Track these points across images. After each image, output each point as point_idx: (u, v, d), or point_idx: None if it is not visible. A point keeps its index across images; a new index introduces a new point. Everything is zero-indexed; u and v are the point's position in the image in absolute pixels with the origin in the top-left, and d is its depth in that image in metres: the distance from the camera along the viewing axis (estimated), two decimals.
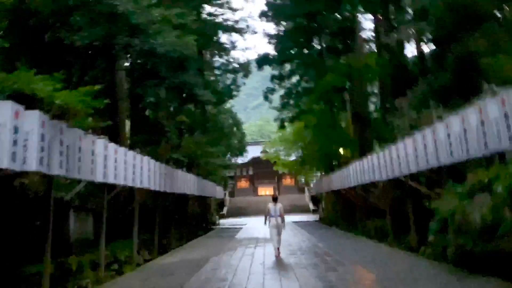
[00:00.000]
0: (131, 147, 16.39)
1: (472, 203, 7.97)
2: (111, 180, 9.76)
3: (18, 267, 8.59)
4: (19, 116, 6.04)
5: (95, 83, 12.65)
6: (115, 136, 16.12)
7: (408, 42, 16.54)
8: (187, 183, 19.22)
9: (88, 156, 8.43)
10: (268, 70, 36.03)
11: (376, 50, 30.77)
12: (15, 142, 5.98)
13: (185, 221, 21.42)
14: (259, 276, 9.09)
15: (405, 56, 17.41)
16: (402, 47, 16.79)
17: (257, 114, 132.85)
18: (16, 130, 5.98)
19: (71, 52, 12.46)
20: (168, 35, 13.07)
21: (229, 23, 33.58)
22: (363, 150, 24.65)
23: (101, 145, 9.11)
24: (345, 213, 24.07)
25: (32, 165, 6.32)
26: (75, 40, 11.63)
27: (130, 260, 12.14)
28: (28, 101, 7.19)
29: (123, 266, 11.57)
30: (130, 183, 11.15)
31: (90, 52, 12.77)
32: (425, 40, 15.28)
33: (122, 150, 10.52)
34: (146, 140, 15.15)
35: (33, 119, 6.40)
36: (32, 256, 8.93)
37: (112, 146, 9.83)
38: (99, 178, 9.07)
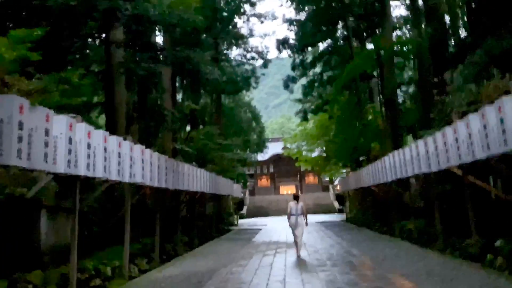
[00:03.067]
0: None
1: None
2: (81, 171, 7.39)
3: None
4: None
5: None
6: (111, 122, 13.85)
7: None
8: (197, 179, 16.85)
9: (38, 137, 6.07)
10: (289, 67, 33.34)
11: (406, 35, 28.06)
12: None
13: (197, 222, 19.09)
14: None
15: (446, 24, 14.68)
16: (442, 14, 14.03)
17: (278, 113, 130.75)
18: None
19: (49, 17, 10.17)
20: None
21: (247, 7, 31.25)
22: (396, 141, 21.97)
23: (61, 123, 6.73)
24: (378, 212, 21.38)
25: None
26: None
27: (120, 273, 9.82)
28: None
29: (109, 281, 9.26)
30: (114, 177, 8.77)
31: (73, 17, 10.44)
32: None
33: (99, 133, 8.14)
34: (145, 127, 12.75)
35: None
36: None
37: (82, 126, 7.46)
38: (60, 168, 6.70)
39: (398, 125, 22.44)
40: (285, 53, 31.84)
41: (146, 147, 11.35)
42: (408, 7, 17.82)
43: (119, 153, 8.99)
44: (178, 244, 14.76)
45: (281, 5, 75.81)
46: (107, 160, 8.41)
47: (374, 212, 22.23)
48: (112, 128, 13.35)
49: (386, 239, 16.17)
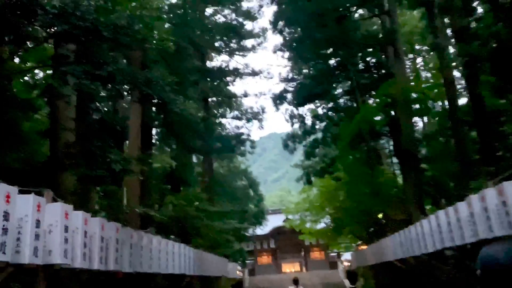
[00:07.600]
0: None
1: None
2: None
3: None
4: None
5: None
6: (53, 177, 10.09)
7: None
8: (174, 257, 12.86)
9: None
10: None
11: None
12: None
13: None
14: None
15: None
16: None
17: (277, 187, 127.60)
18: None
19: None
20: None
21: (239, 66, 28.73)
22: (421, 204, 18.22)
23: None
24: None
25: None
26: None
27: None
28: None
29: None
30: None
31: None
32: None
33: None
34: (84, 178, 8.99)
35: None
36: None
37: None
38: None
39: (422, 184, 18.77)
40: (283, 127, 29.07)
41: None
42: (428, 28, 14.78)
43: (5, 214, 5.20)
44: None
45: (277, 65, 74.83)
46: None
47: None
48: (53, 185, 9.64)
49: None
